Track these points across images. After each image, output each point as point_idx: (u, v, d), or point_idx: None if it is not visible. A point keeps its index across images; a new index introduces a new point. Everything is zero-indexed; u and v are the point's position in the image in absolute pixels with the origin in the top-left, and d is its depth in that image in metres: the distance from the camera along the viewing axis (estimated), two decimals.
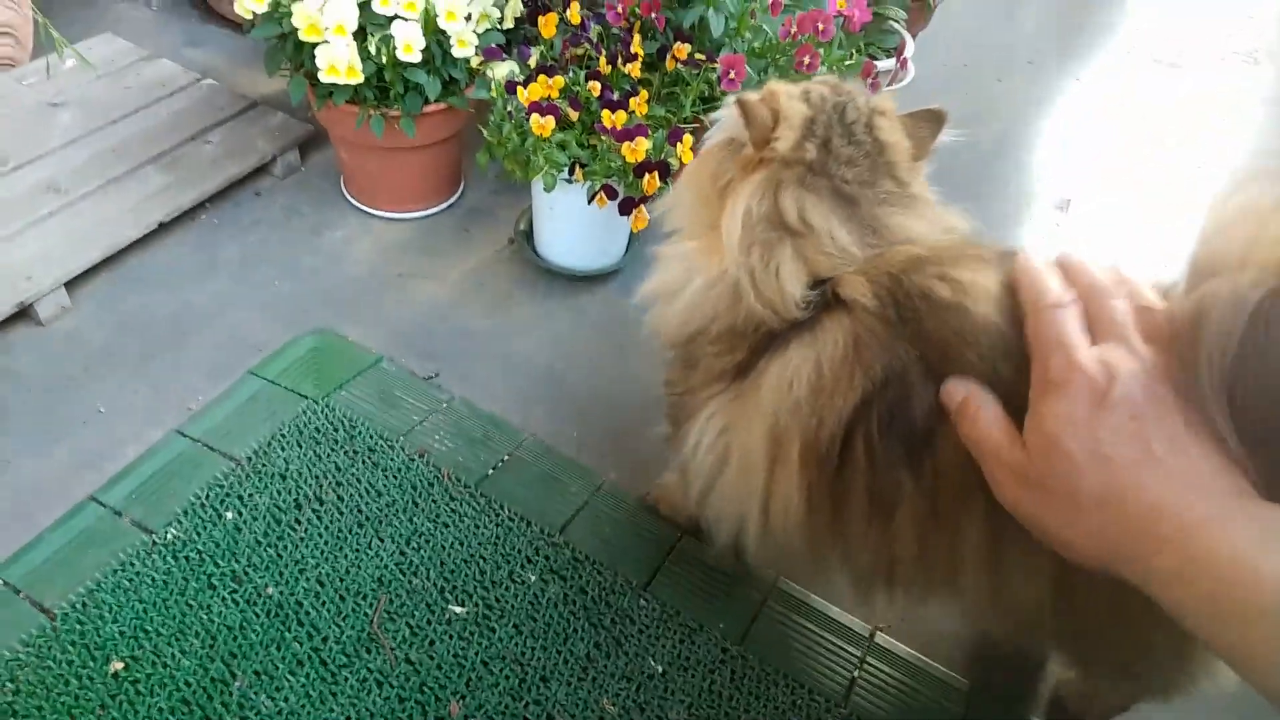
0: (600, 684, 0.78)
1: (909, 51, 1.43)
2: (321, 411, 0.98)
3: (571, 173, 1.02)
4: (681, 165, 1.00)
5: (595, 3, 1.13)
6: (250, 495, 0.89)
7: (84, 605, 0.79)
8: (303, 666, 0.77)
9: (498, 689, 0.77)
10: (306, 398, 0.99)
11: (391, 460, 0.93)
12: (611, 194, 1.02)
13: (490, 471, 0.94)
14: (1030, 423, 0.48)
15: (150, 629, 0.78)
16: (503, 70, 1.08)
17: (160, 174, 1.21)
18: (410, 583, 0.84)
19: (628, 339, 1.10)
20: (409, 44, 1.04)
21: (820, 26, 1.05)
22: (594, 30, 1.11)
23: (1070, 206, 1.42)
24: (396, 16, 1.04)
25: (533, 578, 0.85)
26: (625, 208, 1.02)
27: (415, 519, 0.89)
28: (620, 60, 1.06)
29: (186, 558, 0.83)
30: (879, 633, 0.84)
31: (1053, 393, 0.47)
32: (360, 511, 0.89)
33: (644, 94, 1.02)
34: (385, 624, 0.80)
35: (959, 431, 0.52)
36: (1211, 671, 0.59)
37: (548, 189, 1.02)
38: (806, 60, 1.05)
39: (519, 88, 1.01)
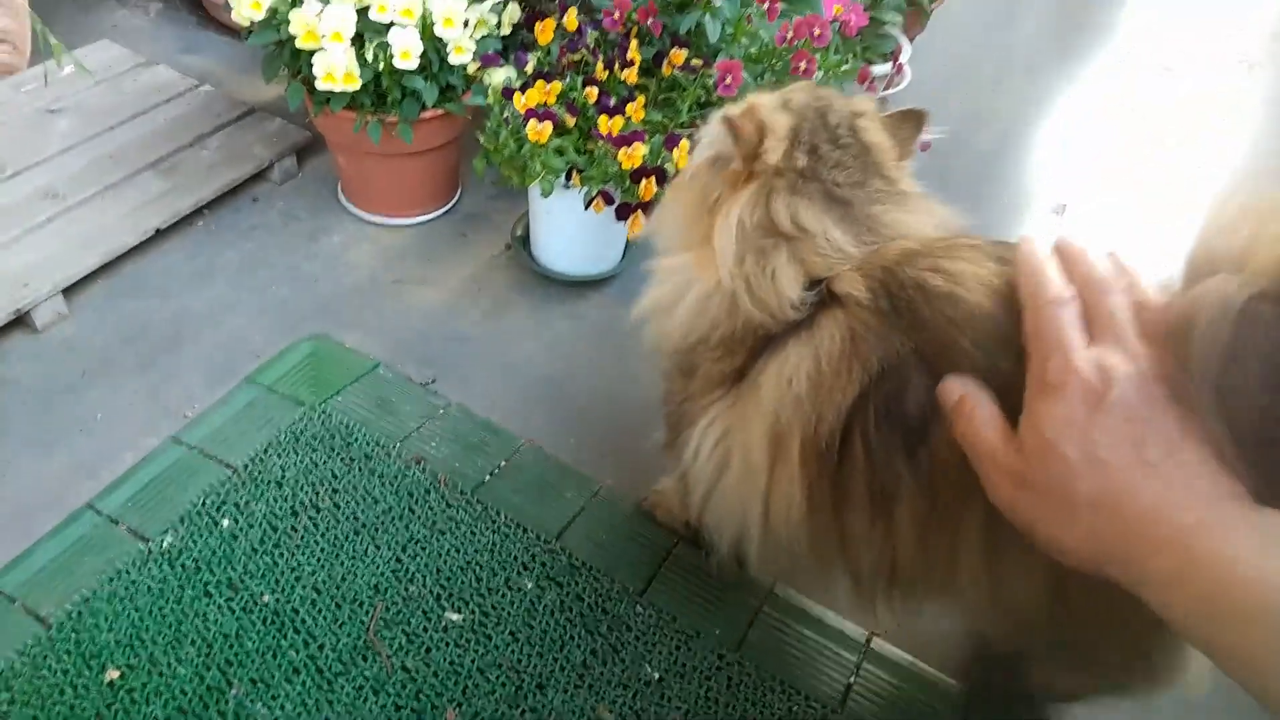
0: (597, 691, 0.78)
1: (905, 56, 1.43)
2: (318, 418, 0.98)
3: (568, 178, 1.02)
4: (677, 171, 1.00)
5: (592, 9, 1.13)
6: (247, 503, 0.89)
7: (79, 614, 0.79)
8: (299, 674, 0.77)
9: (494, 696, 0.77)
10: (303, 404, 0.99)
11: (388, 467, 0.93)
12: (608, 199, 1.02)
13: (487, 478, 0.94)
14: (1026, 424, 0.48)
15: (146, 637, 0.78)
16: (500, 76, 1.08)
17: (158, 180, 1.21)
18: (406, 590, 0.83)
19: (624, 345, 1.10)
20: (406, 50, 1.04)
21: (816, 31, 1.05)
22: (591, 36, 1.11)
23: (1066, 212, 1.42)
24: (394, 23, 1.04)
25: (529, 584, 0.85)
26: (622, 213, 1.02)
27: (412, 526, 0.89)
28: (617, 66, 1.06)
29: (183, 565, 0.83)
30: (875, 638, 0.84)
31: (1049, 394, 0.47)
32: (356, 518, 0.89)
33: (641, 99, 1.02)
34: (381, 631, 0.80)
35: (954, 431, 0.52)
36: (1185, 666, 0.59)
37: (545, 194, 1.02)
38: (803, 65, 1.05)
39: (516, 93, 1.01)
